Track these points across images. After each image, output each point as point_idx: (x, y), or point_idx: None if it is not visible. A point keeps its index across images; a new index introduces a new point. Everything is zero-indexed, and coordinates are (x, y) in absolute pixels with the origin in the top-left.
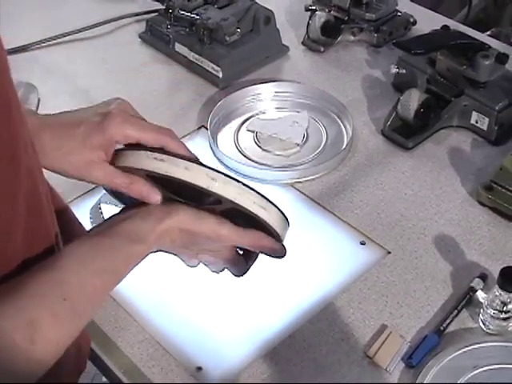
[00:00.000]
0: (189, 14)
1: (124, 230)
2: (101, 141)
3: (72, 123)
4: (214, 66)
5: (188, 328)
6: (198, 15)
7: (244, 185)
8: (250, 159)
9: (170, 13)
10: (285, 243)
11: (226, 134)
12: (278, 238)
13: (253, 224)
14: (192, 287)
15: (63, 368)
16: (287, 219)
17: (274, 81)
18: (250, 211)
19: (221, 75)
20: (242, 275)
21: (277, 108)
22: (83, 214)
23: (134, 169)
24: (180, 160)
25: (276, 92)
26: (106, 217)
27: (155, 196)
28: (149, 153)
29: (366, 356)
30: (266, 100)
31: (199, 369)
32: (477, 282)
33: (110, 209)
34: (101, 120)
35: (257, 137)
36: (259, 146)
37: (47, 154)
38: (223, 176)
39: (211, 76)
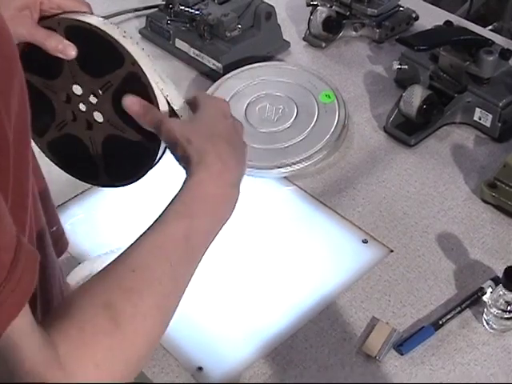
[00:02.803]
0: (189, 9)
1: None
2: (24, 1)
3: None
4: (215, 62)
5: (189, 328)
6: (198, 11)
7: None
8: None
9: (171, 8)
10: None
11: None
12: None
13: (146, 97)
14: (193, 287)
15: None
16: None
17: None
18: (148, 77)
19: (221, 71)
20: None
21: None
22: (78, 213)
23: (57, 23)
24: (98, 16)
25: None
26: None
27: (71, 50)
28: (70, 11)
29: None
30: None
31: (200, 369)
32: (488, 284)
33: None
34: None
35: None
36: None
37: None
38: (132, 38)
39: (212, 72)
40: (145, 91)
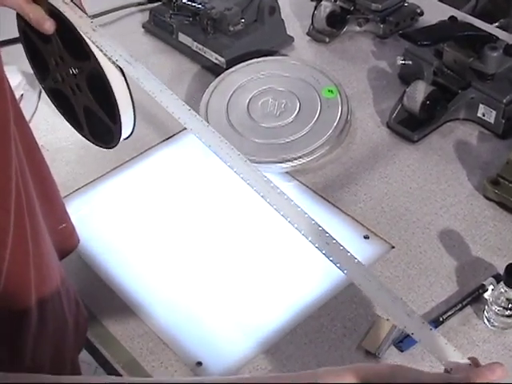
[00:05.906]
0: (192, 3)
1: None
2: None
3: None
4: (218, 56)
5: (188, 323)
6: (201, 5)
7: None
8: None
9: (174, 2)
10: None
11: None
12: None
13: (106, 94)
14: (193, 282)
15: (65, 342)
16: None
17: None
18: (105, 72)
19: (225, 65)
20: None
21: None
22: (81, 208)
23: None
24: (78, 9)
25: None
26: None
27: (48, 23)
28: None
29: (368, 351)
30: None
31: (199, 364)
32: (489, 282)
33: None
34: None
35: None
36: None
37: None
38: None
39: (215, 66)
40: (106, 85)
